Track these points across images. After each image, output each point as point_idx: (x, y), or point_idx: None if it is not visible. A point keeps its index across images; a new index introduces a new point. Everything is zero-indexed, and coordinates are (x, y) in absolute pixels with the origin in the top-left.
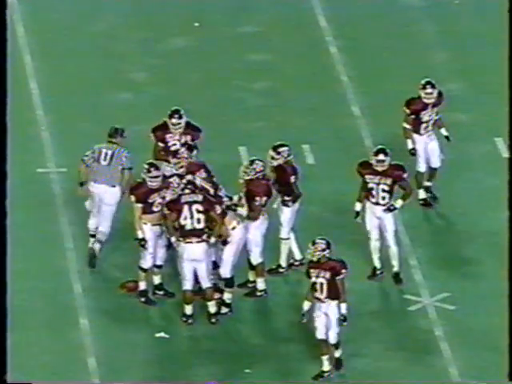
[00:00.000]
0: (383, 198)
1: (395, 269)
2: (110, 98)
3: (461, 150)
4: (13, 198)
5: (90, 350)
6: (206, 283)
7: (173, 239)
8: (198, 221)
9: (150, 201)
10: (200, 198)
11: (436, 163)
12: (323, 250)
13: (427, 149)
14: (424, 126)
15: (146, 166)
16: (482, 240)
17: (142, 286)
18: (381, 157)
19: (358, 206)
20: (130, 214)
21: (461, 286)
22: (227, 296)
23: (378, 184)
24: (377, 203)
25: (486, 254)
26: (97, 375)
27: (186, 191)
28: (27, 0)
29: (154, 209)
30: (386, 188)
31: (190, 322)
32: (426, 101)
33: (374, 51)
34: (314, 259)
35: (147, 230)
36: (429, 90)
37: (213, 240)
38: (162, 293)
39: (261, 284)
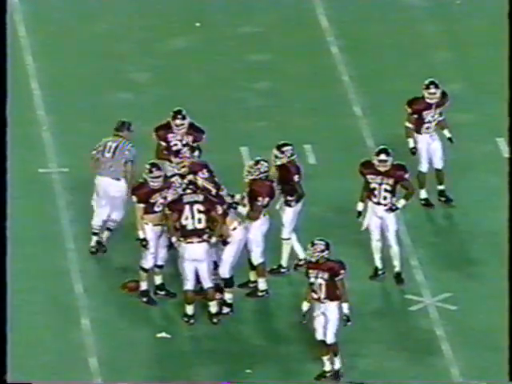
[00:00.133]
0: (385, 198)
1: (397, 269)
2: (111, 98)
3: (462, 150)
4: (14, 198)
5: (91, 349)
6: (207, 283)
7: (174, 239)
8: (199, 221)
9: (152, 201)
10: (201, 198)
11: (438, 164)
12: (322, 250)
13: (429, 149)
14: (426, 125)
15: (148, 167)
16: (484, 240)
17: (144, 286)
18: (383, 157)
19: (360, 206)
20: (132, 214)
21: (462, 286)
22: (228, 296)
23: (380, 184)
24: (379, 203)
25: (487, 254)
26: (98, 375)
27: (187, 191)
28: (29, 0)
29: (156, 209)
30: (388, 188)
31: (191, 322)
32: (429, 101)
33: (376, 51)
34: (313, 260)
35: (148, 230)
36: (432, 90)
37: (214, 240)
38: (163, 293)
39: (262, 284)
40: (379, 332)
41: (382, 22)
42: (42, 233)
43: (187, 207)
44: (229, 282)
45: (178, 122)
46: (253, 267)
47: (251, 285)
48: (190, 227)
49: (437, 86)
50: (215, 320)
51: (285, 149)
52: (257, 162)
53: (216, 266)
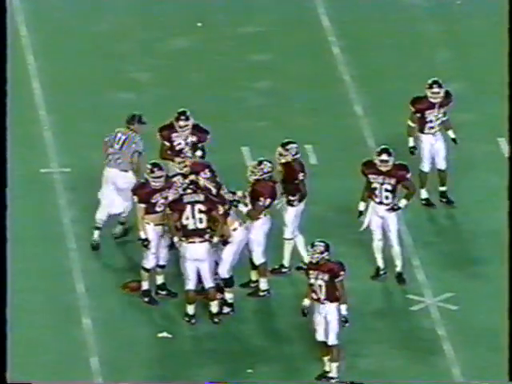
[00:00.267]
0: (386, 198)
1: (398, 269)
2: (112, 97)
3: (463, 150)
4: (15, 198)
5: (92, 349)
6: (208, 283)
7: (175, 239)
8: (201, 221)
9: (153, 201)
10: (202, 197)
11: (442, 164)
12: (322, 252)
13: (432, 149)
14: (429, 125)
15: (149, 167)
16: (485, 240)
17: (145, 285)
18: (384, 157)
19: (361, 206)
20: (133, 214)
21: (464, 285)
22: (229, 296)
23: (382, 184)
24: (380, 203)
25: (488, 254)
26: (99, 375)
27: (188, 191)
28: (30, 0)
29: (157, 209)
30: (390, 188)
31: (192, 321)
32: (432, 100)
33: (377, 51)
34: (313, 261)
35: (150, 230)
36: (435, 90)
37: (215, 240)
38: (164, 293)
39: (263, 284)
40: (381, 332)
41: (383, 22)
42: (43, 232)
43: (188, 207)
44: (228, 282)
45: (181, 123)
46: (254, 267)
47: (252, 284)
48: (191, 227)
49: (440, 86)
50: (216, 320)
51: (289, 147)
52: (260, 163)
53: (217, 265)
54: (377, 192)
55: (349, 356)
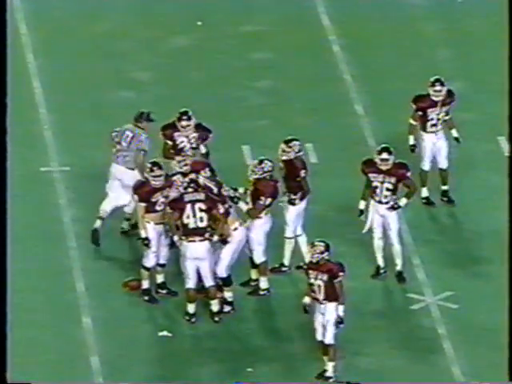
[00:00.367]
0: (387, 197)
1: (398, 267)
2: (112, 96)
3: (464, 149)
4: (16, 197)
5: (92, 348)
6: (209, 282)
7: (176, 238)
8: (201, 219)
9: (153, 200)
10: (203, 196)
11: (443, 163)
12: (322, 252)
13: (434, 148)
14: (430, 123)
15: (149, 165)
16: (485, 239)
17: (145, 284)
18: (384, 156)
19: (362, 205)
20: (133, 213)
21: (464, 284)
22: (228, 294)
23: (382, 183)
24: (380, 201)
25: (489, 253)
26: (99, 374)
27: (189, 190)
28: None
29: (157, 208)
30: (390, 186)
31: (192, 320)
32: (434, 98)
33: (377, 50)
34: (313, 261)
35: (150, 229)
36: (437, 88)
37: (215, 238)
38: (164, 291)
39: (264, 283)
40: (381, 331)
41: (383, 21)
42: (43, 231)
43: (189, 206)
44: (226, 281)
45: (183, 123)
46: (254, 266)
47: (252, 283)
48: (191, 226)
49: (442, 84)
50: (217, 318)
51: (292, 144)
52: (260, 162)
53: (215, 264)
54: (377, 191)
55: (349, 355)
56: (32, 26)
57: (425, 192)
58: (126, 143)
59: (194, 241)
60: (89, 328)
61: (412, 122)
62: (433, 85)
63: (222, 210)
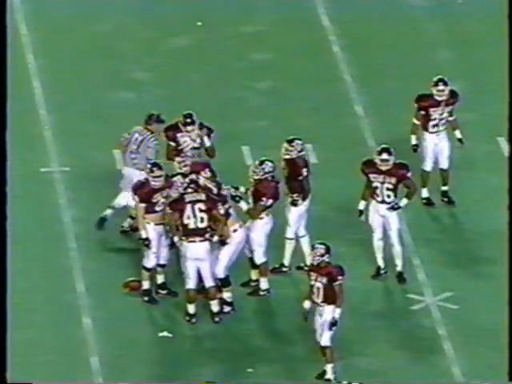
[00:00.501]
0: (387, 197)
1: (399, 268)
2: (112, 97)
3: (464, 150)
4: (16, 198)
5: (92, 349)
6: (209, 282)
7: (176, 238)
8: (201, 220)
9: (153, 200)
10: (203, 197)
11: (444, 163)
12: (322, 255)
13: (436, 148)
14: (433, 123)
15: (149, 166)
16: (485, 239)
17: (145, 285)
18: (385, 156)
19: (362, 205)
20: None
21: (464, 285)
22: (227, 295)
23: (383, 183)
24: (381, 202)
25: (489, 253)
26: (99, 374)
27: (189, 190)
28: None
29: (157, 208)
30: (391, 187)
31: (192, 321)
32: (437, 98)
33: (377, 50)
34: (314, 263)
35: (150, 230)
36: (440, 88)
37: (215, 239)
38: (165, 292)
39: (264, 283)
40: (381, 331)
41: (383, 22)
42: (43, 232)
43: (189, 206)
44: (224, 282)
45: (189, 128)
46: (254, 266)
47: (252, 284)
48: (191, 226)
49: (445, 84)
50: (217, 319)
51: (295, 143)
52: (261, 163)
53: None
54: (377, 191)
55: (349, 355)
56: (32, 27)
57: (425, 192)
58: (135, 146)
59: (194, 241)
60: (89, 328)
61: (415, 121)
62: (436, 84)
63: (222, 211)
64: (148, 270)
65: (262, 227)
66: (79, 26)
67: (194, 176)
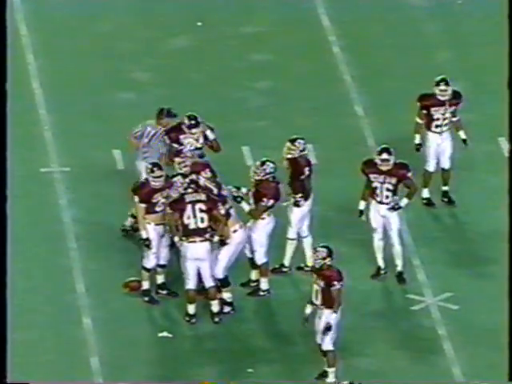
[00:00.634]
0: (388, 197)
1: (399, 268)
2: (112, 97)
3: (464, 150)
4: (16, 198)
5: (92, 349)
6: (209, 282)
7: (176, 239)
8: (202, 220)
9: (154, 201)
10: (203, 197)
11: (446, 163)
12: (324, 258)
13: (439, 149)
14: (435, 123)
15: (150, 166)
16: (485, 239)
17: (145, 285)
18: (385, 156)
19: (362, 205)
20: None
21: (464, 285)
22: (227, 295)
23: (383, 183)
24: (381, 202)
25: (489, 253)
26: (99, 375)
27: (189, 190)
28: None
29: (157, 209)
30: (391, 187)
31: (192, 321)
32: (439, 97)
33: (377, 51)
34: (316, 266)
35: (150, 230)
36: (443, 87)
37: (216, 239)
38: (165, 292)
39: (264, 284)
40: (381, 331)
41: (383, 22)
42: (43, 232)
43: (189, 206)
44: (224, 282)
45: (193, 130)
46: (253, 266)
47: (252, 284)
48: (192, 226)
49: (447, 84)
50: (217, 319)
51: (297, 142)
52: (262, 163)
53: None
54: (378, 191)
55: (349, 356)
56: (32, 27)
57: (426, 193)
58: (147, 140)
59: (194, 241)
60: (89, 328)
61: (418, 120)
62: (438, 84)
63: (222, 211)
64: (148, 270)
65: (263, 227)
66: (79, 25)
67: (194, 176)
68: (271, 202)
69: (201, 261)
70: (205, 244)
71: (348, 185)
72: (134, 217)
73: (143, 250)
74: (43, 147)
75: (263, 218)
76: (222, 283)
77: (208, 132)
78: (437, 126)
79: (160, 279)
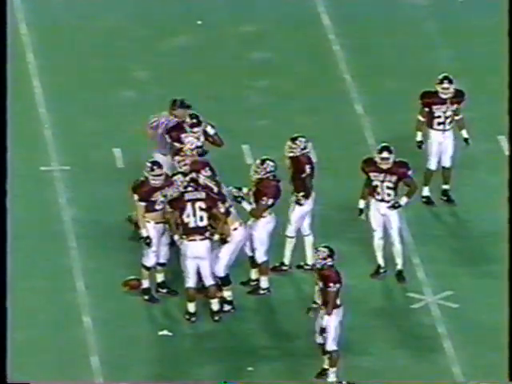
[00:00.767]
0: (388, 195)
1: (399, 267)
2: (112, 96)
3: (464, 148)
4: (16, 197)
5: (92, 348)
6: (209, 281)
7: (176, 237)
8: (201, 218)
9: (153, 199)
10: (203, 195)
11: (447, 162)
12: (325, 258)
13: (440, 147)
14: (437, 121)
15: (149, 165)
16: (486, 238)
17: (145, 283)
18: (385, 154)
19: (361, 204)
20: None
21: (464, 284)
22: (227, 293)
23: (383, 181)
24: (381, 200)
25: (489, 252)
26: (99, 373)
27: (189, 189)
28: None
29: (157, 207)
30: (391, 185)
31: (192, 319)
32: (442, 95)
33: (377, 49)
34: (317, 266)
35: (150, 228)
36: (445, 85)
37: (216, 237)
38: (165, 291)
39: (264, 282)
40: (381, 330)
41: (384, 21)
42: (43, 231)
43: (189, 205)
44: (224, 281)
45: (195, 129)
46: (253, 265)
47: (252, 283)
48: (192, 225)
49: (450, 82)
50: (217, 318)
51: (298, 140)
52: (263, 162)
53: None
54: (378, 190)
55: (349, 354)
56: (32, 26)
57: (426, 191)
58: (161, 130)
59: (194, 240)
60: (89, 327)
61: (420, 118)
62: (441, 82)
63: (222, 209)
64: (148, 268)
65: (264, 226)
66: (79, 24)
67: (194, 175)
68: (271, 200)
69: (201, 259)
70: (205, 242)
71: (348, 183)
72: None
73: (143, 249)
74: (43, 146)
75: (264, 217)
76: (223, 281)
77: (208, 128)
78: (439, 124)
79: (160, 278)
